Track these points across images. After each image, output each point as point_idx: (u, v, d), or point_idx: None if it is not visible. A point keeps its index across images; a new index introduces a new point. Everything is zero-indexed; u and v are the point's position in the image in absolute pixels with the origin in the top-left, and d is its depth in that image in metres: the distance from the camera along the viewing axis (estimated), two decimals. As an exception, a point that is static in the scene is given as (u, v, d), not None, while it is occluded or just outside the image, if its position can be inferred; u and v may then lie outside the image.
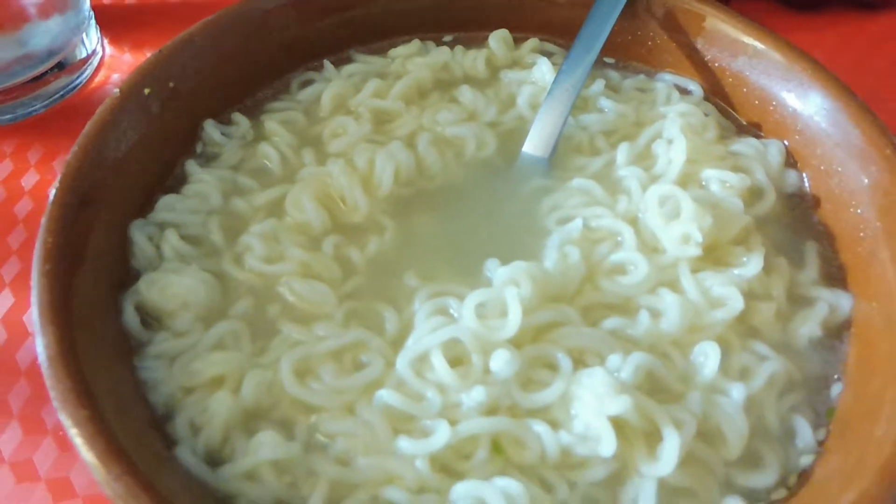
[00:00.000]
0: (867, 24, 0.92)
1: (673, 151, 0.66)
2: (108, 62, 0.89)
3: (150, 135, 0.64)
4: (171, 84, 0.65)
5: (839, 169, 0.64)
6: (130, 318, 0.57)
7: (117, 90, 0.62)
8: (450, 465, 0.52)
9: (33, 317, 0.50)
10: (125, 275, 0.60)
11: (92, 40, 0.87)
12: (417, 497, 0.50)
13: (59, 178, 0.56)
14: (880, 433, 0.50)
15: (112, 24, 0.92)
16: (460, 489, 0.50)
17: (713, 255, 0.61)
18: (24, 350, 0.66)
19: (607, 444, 0.51)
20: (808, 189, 0.67)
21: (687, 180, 0.65)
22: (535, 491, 0.50)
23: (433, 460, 0.51)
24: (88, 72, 0.86)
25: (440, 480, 0.51)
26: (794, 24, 0.92)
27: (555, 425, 0.53)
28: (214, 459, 0.52)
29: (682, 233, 0.60)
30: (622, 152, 0.67)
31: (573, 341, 0.56)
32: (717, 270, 0.60)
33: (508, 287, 0.56)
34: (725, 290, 0.58)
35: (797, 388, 0.57)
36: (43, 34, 0.81)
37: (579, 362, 0.55)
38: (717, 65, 0.72)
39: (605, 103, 0.71)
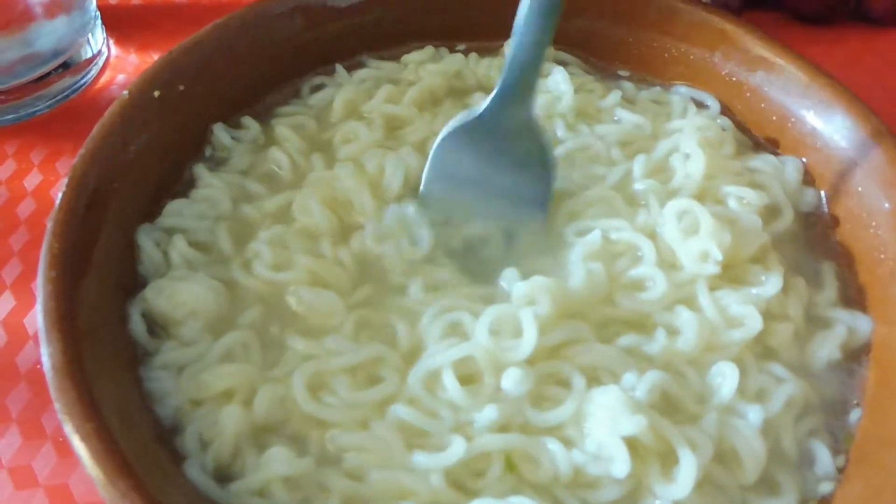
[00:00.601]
0: (877, 41, 0.91)
1: (690, 166, 0.65)
2: (113, 63, 0.87)
3: (158, 138, 0.63)
4: (181, 87, 0.64)
5: (858, 189, 0.63)
6: (137, 326, 0.55)
7: (126, 92, 0.61)
8: (464, 483, 0.51)
9: (38, 325, 0.49)
10: (132, 281, 0.58)
11: (98, 41, 0.86)
12: None
13: (65, 181, 0.55)
14: (901, 464, 0.49)
15: (118, 24, 0.90)
16: None
17: (731, 273, 0.60)
18: (25, 354, 0.65)
19: (621, 465, 0.50)
20: (825, 208, 0.66)
21: (704, 195, 0.64)
22: None
23: (447, 475, 0.50)
24: (93, 72, 0.85)
25: (454, 497, 0.50)
26: (803, 40, 0.90)
27: (568, 444, 0.52)
28: (223, 475, 0.51)
29: (700, 250, 0.59)
30: (639, 164, 0.66)
31: (587, 359, 0.55)
32: (734, 289, 0.59)
33: (525, 307, 0.55)
34: (743, 310, 0.57)
35: (815, 411, 0.56)
36: (48, 34, 0.79)
37: (593, 380, 0.54)
38: (734, 79, 0.71)
39: (621, 114, 0.70)
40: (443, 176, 0.63)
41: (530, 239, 0.63)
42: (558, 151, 0.68)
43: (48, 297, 0.49)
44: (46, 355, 0.47)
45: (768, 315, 0.58)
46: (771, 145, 0.70)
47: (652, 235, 0.62)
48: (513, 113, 0.60)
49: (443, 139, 0.62)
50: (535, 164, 0.62)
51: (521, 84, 0.59)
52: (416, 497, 0.50)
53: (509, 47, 0.59)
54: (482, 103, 0.61)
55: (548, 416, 0.52)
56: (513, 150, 0.61)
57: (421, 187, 0.64)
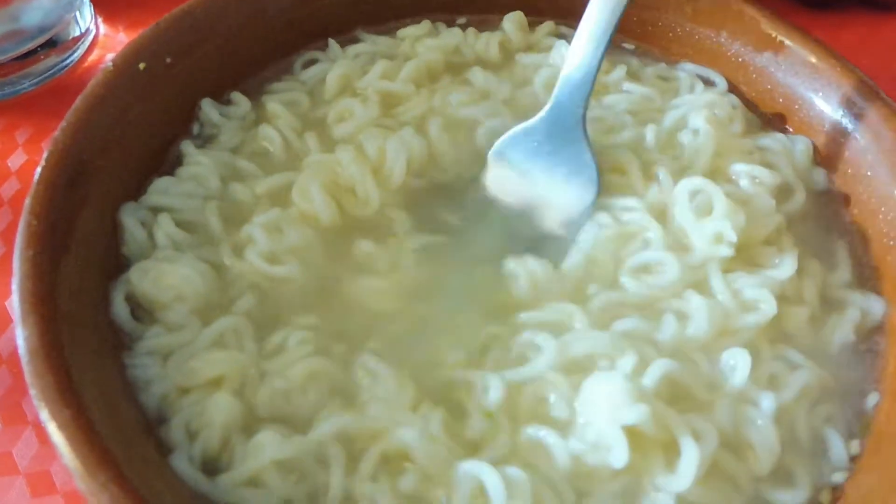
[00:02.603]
0: (883, 26, 0.90)
1: (700, 142, 0.63)
2: (102, 41, 0.86)
3: (144, 112, 0.60)
4: (168, 59, 0.62)
5: (868, 173, 0.61)
6: (120, 309, 0.53)
7: (111, 63, 0.59)
8: (458, 433, 0.51)
9: (14, 305, 0.47)
10: (115, 263, 0.56)
11: (86, 18, 0.84)
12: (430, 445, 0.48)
13: (45, 155, 0.52)
14: (917, 453, 0.48)
15: (107, 2, 0.88)
16: (465, 468, 0.48)
17: (744, 256, 0.58)
18: (6, 338, 0.64)
19: (619, 455, 0.48)
20: (837, 188, 0.64)
21: (715, 174, 0.62)
22: (541, 489, 0.48)
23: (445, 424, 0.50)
24: (81, 51, 0.83)
25: (450, 444, 0.49)
26: (808, 25, 0.88)
27: (564, 431, 0.50)
28: (212, 467, 0.49)
29: (714, 231, 0.57)
30: (650, 134, 0.64)
31: (581, 347, 0.53)
32: (748, 272, 0.57)
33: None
34: (758, 293, 0.55)
35: (830, 398, 0.54)
36: (34, 10, 0.77)
37: (591, 366, 0.53)
38: (740, 59, 0.70)
39: (629, 86, 0.69)
40: (500, 166, 0.63)
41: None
42: None
43: (25, 277, 0.47)
44: (22, 338, 0.45)
45: (783, 298, 0.56)
46: (779, 126, 0.68)
47: (663, 214, 0.60)
48: (563, 125, 0.61)
49: (503, 140, 0.63)
50: (579, 176, 0.62)
51: (572, 103, 0.61)
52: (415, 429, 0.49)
53: (564, 60, 0.62)
54: (539, 114, 0.62)
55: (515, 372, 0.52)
56: (561, 161, 0.62)
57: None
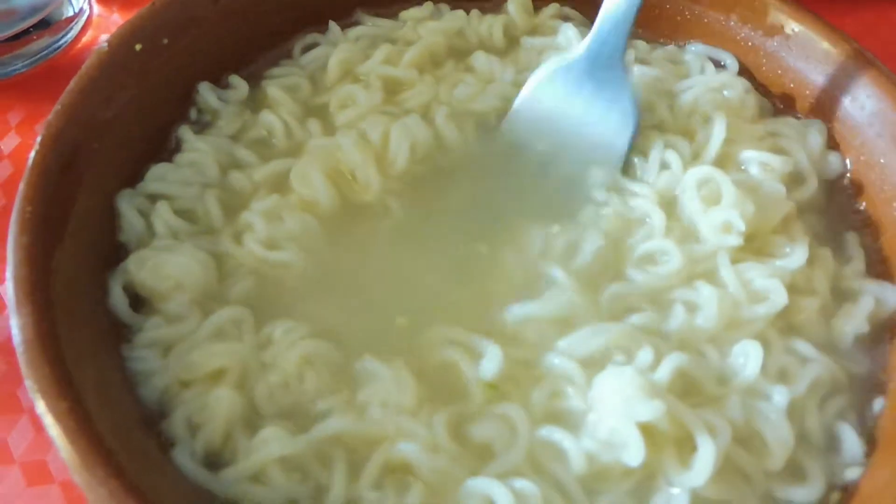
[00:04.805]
0: (891, 12, 0.88)
1: (711, 129, 0.61)
2: (96, 22, 0.84)
3: (140, 96, 0.59)
4: (165, 41, 0.60)
5: (881, 160, 0.60)
6: (118, 299, 0.52)
7: (105, 44, 0.57)
8: (463, 430, 0.49)
9: (8, 294, 0.45)
10: (112, 251, 0.55)
11: (79, -2, 0.82)
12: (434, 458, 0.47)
13: (38, 140, 0.51)
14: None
15: (101, -19, 0.87)
16: (474, 484, 0.47)
17: (753, 245, 0.57)
18: (0, 324, 0.62)
19: (635, 453, 0.47)
20: (849, 176, 0.63)
21: (725, 161, 0.61)
22: (552, 496, 0.47)
23: (449, 425, 0.48)
24: (74, 31, 0.82)
25: (455, 449, 0.48)
26: (815, 9, 0.88)
27: (578, 428, 0.49)
28: (214, 461, 0.48)
29: (722, 220, 0.56)
30: (668, 115, 0.63)
31: (597, 341, 0.52)
32: (758, 261, 0.56)
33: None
34: (768, 283, 0.54)
35: (842, 392, 0.53)
36: (26, -10, 0.76)
37: (605, 359, 0.52)
38: (750, 44, 0.68)
39: (637, 69, 0.67)
40: (530, 108, 0.63)
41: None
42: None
43: (19, 265, 0.46)
44: (17, 327, 0.44)
45: (793, 289, 0.55)
46: (791, 111, 0.67)
47: (672, 202, 0.59)
48: (603, 62, 0.62)
49: (539, 76, 0.63)
50: (616, 118, 0.62)
51: (615, 37, 0.61)
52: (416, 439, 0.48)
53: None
54: (577, 49, 0.63)
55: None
56: (599, 100, 0.62)
57: (509, 114, 0.64)
